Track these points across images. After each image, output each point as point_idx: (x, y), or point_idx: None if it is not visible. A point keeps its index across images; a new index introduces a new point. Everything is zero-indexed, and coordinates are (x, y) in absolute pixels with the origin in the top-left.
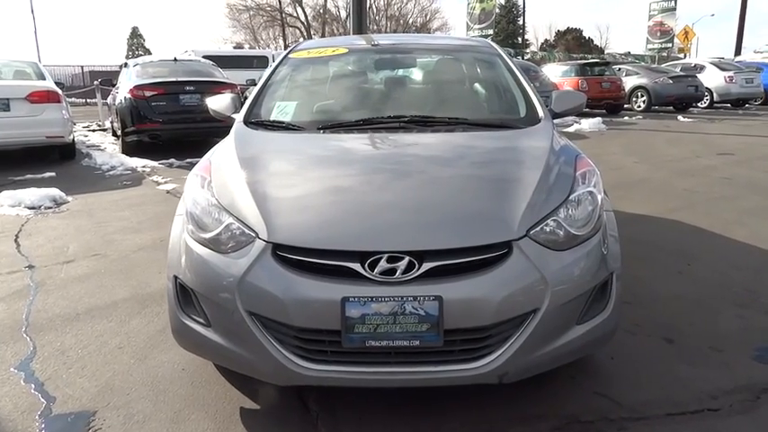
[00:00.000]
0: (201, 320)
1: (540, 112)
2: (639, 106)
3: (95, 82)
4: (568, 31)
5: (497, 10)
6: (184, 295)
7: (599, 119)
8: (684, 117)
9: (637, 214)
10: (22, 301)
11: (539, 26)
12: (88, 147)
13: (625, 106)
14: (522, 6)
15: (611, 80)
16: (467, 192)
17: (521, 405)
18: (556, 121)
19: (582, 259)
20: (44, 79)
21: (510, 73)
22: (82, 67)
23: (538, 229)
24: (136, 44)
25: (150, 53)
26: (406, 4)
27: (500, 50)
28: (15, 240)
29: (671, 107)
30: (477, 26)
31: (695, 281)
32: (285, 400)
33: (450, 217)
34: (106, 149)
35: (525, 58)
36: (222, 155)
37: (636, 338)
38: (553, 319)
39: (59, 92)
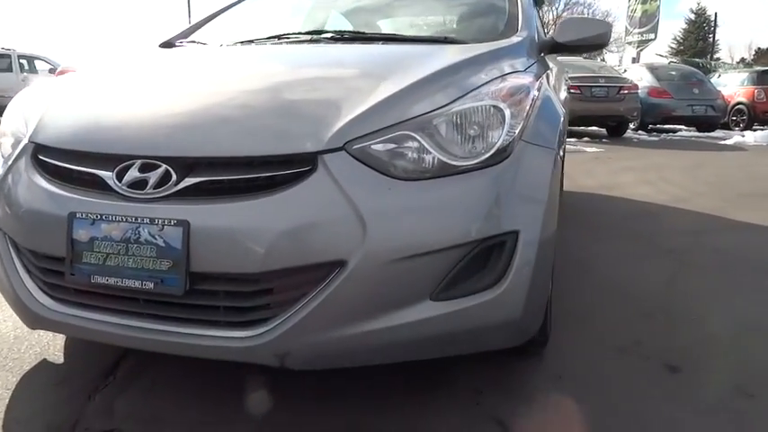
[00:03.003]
0: None
1: (518, 35)
2: None
3: None
4: None
5: (659, 14)
6: None
7: None
8: None
9: (747, 223)
10: None
11: (736, 45)
12: None
13: None
14: (713, 22)
15: None
16: (296, 92)
17: None
18: (716, 133)
19: (449, 198)
20: None
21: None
22: None
23: (371, 143)
24: None
25: None
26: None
27: None
28: None
29: None
30: (636, 30)
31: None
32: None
33: (242, 119)
34: None
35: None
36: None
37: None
38: (377, 283)
39: None
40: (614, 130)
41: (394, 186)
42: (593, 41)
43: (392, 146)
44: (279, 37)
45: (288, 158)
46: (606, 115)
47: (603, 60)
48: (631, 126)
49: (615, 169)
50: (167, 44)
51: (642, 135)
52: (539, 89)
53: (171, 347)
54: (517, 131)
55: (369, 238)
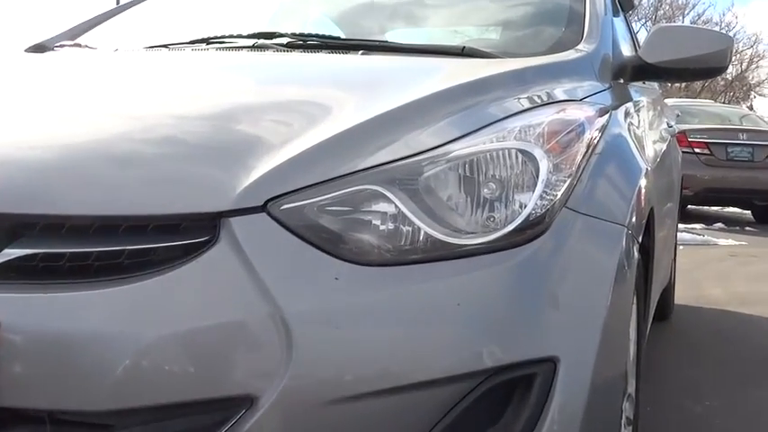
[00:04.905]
0: None
1: (579, 48)
2: None
3: None
4: None
5: None
6: None
7: None
8: None
9: None
10: None
11: None
12: None
13: None
14: None
15: None
16: (203, 122)
17: None
18: None
19: (439, 297)
20: None
21: None
22: None
23: (312, 203)
24: None
25: None
26: None
27: None
28: None
29: None
30: None
31: None
32: None
33: (109, 160)
34: None
35: None
36: None
37: None
38: None
39: None
40: (764, 212)
41: (346, 275)
42: (701, 63)
43: (347, 209)
44: (207, 40)
45: (172, 222)
46: (751, 189)
47: (751, 108)
48: None
49: (760, 273)
50: (39, 48)
51: None
52: (602, 130)
53: None
54: (560, 194)
55: (296, 360)
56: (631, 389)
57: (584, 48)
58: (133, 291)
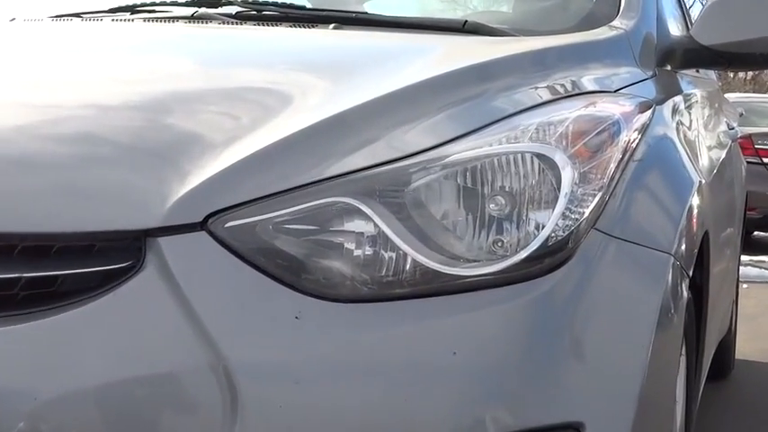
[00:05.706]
0: None
1: (613, 25)
2: None
3: None
4: None
5: None
6: None
7: None
8: None
9: None
10: None
11: None
12: None
13: None
14: None
15: None
16: (124, 115)
17: None
18: None
19: (431, 344)
20: None
21: None
22: None
23: (265, 220)
24: None
25: None
26: None
27: None
28: None
29: None
30: None
31: None
32: None
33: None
34: None
35: None
36: None
37: None
38: None
39: None
40: None
41: (309, 314)
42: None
43: (311, 228)
44: (132, 8)
45: (82, 242)
46: None
47: None
48: None
49: None
50: None
51: None
52: (643, 130)
53: None
54: (587, 212)
55: (243, 425)
56: None
57: (620, 24)
58: (30, 331)
